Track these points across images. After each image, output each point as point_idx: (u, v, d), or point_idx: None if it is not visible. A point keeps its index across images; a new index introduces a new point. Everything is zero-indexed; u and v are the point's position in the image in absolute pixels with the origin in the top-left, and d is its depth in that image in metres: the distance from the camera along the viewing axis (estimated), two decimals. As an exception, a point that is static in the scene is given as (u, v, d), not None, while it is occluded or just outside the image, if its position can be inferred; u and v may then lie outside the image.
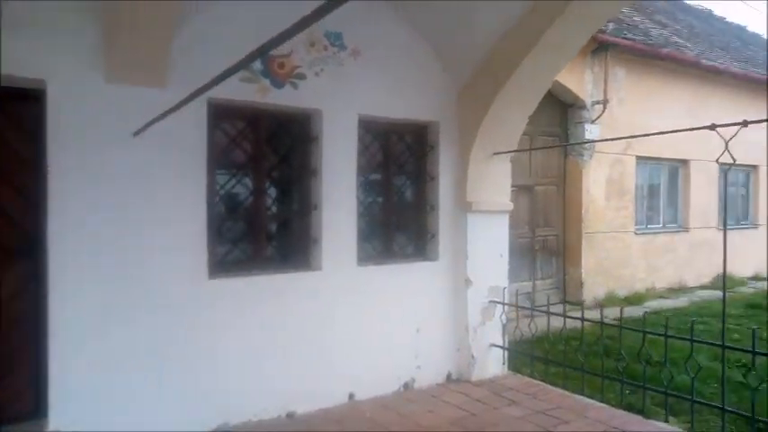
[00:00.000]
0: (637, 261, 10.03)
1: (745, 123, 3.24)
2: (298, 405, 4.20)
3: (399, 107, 4.76)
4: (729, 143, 3.05)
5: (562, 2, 4.01)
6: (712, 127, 3.32)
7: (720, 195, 11.64)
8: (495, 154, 4.99)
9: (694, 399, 3.81)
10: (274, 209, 4.42)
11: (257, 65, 4.01)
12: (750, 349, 3.42)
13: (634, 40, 9.53)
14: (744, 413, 3.62)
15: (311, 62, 4.28)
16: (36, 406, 3.48)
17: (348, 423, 4.08)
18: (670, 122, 9.26)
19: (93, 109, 3.44)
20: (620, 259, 9.73)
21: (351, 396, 4.48)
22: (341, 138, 4.44)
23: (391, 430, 3.97)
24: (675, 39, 11.30)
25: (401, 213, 5.06)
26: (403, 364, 4.77)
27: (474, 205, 4.97)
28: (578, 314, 4.58)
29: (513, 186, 5.37)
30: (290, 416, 4.17)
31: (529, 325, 4.99)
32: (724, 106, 10.60)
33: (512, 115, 4.86)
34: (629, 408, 4.40)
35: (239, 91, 3.93)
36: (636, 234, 10.09)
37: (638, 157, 10.01)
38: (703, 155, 10.73)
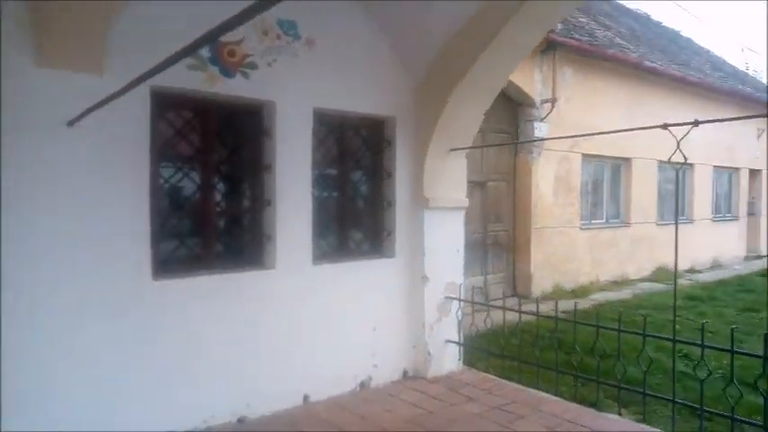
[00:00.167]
0: (582, 255, 10.35)
1: (696, 123, 3.31)
2: (249, 409, 4.04)
3: (356, 101, 4.64)
4: (680, 143, 3.12)
5: (516, 1, 4.01)
6: (664, 126, 3.39)
7: (661, 192, 12.19)
8: (451, 150, 4.97)
9: (645, 392, 3.90)
10: (224, 205, 4.21)
11: (205, 51, 3.79)
12: (699, 343, 3.52)
13: (581, 40, 9.78)
14: (693, 404, 3.73)
15: (263, 51, 4.09)
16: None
17: (303, 425, 3.96)
18: (610, 121, 9.61)
19: (21, 94, 3.12)
20: (567, 254, 10.01)
21: (306, 397, 4.35)
22: (295, 131, 4.28)
23: (348, 431, 3.88)
24: (619, 40, 11.70)
25: (357, 210, 4.95)
26: (360, 363, 4.68)
27: (431, 201, 4.93)
28: (533, 308, 4.62)
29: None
30: (241, 420, 3.99)
31: (485, 320, 5.02)
32: (659, 106, 11.08)
33: (468, 112, 4.85)
34: (582, 401, 4.49)
35: (186, 79, 3.70)
36: (581, 229, 10.41)
37: (584, 155, 10.32)
38: (644, 153, 11.19)
